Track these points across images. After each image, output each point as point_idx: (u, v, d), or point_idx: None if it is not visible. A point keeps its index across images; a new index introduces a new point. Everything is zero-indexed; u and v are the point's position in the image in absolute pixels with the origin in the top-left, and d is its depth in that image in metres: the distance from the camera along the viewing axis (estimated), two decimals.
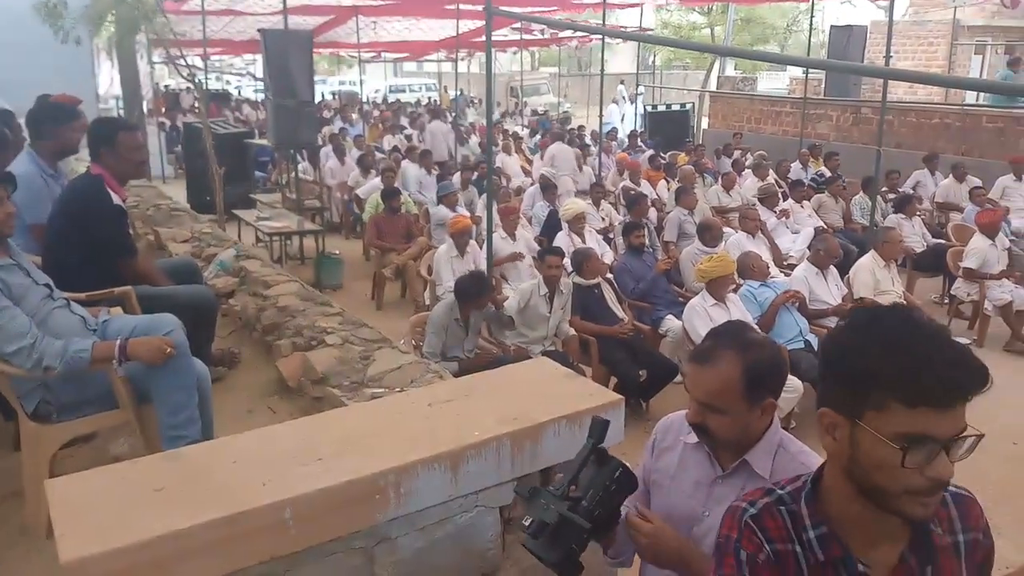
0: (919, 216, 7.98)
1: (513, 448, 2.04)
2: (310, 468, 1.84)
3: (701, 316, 4.93)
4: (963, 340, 6.18)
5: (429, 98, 27.57)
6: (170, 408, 2.65)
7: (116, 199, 3.30)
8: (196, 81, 9.73)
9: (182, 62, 9.42)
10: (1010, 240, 7.15)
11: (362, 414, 2.31)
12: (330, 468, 1.84)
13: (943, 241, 7.64)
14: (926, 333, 1.08)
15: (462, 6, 12.24)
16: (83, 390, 2.69)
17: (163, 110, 19.56)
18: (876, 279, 5.66)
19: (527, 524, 1.50)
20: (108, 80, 16.02)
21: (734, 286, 5.07)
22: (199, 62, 12.97)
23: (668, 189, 9.73)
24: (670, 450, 1.79)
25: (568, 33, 18.81)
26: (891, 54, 7.42)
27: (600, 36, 12.66)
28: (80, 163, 5.26)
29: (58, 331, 2.62)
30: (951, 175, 9.26)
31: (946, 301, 7.11)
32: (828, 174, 10.11)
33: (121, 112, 13.58)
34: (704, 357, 1.61)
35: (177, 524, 1.61)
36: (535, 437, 2.08)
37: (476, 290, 4.62)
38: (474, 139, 15.61)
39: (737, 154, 11.97)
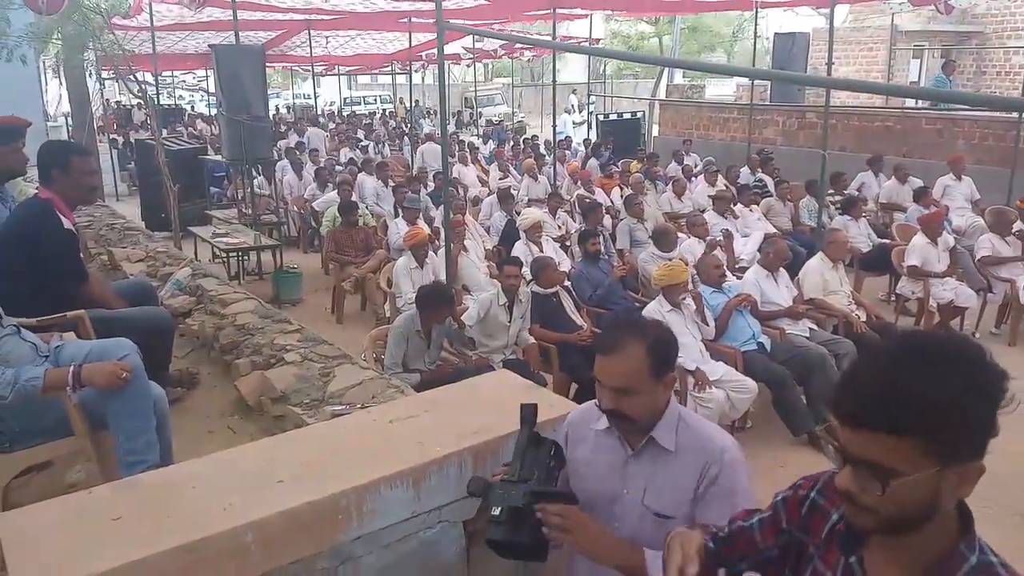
0: (864, 217, 8.20)
1: (475, 462, 2.07)
2: (271, 490, 1.84)
3: None
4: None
5: (384, 110, 27.50)
6: (127, 433, 2.62)
7: (66, 223, 3.26)
8: (147, 97, 9.59)
9: (132, 79, 9.27)
10: (953, 238, 7.40)
11: (323, 433, 2.31)
12: (291, 489, 1.84)
13: (888, 241, 7.86)
14: (895, 358, 1.05)
15: (414, 19, 12.26)
16: (37, 418, 2.64)
17: (114, 127, 19.21)
18: (825, 280, 5.81)
19: (497, 513, 1.56)
20: (57, 98, 15.71)
21: (687, 293, 5.16)
22: (150, 78, 12.78)
23: (622, 196, 9.86)
24: (583, 440, 1.89)
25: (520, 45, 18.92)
26: (832, 61, 7.67)
27: (551, 49, 12.78)
28: (29, 185, 5.17)
29: (8, 359, 2.57)
30: (894, 176, 9.55)
31: (892, 299, 7.33)
32: (768, 179, 10.35)
33: (70, 129, 13.30)
34: (611, 348, 1.72)
35: (135, 554, 1.59)
36: (496, 450, 2.11)
37: (438, 300, 4.64)
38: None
39: (687, 160, 12.19)
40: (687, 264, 5.58)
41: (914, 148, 11.35)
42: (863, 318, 5.69)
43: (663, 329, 1.80)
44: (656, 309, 5.06)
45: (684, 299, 5.10)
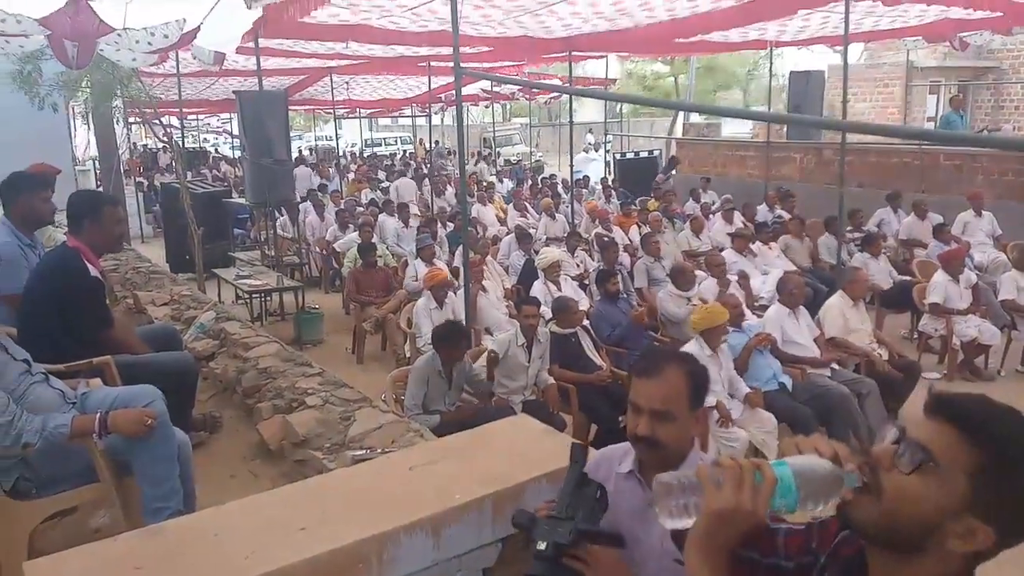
0: (885, 254, 8.16)
1: (494, 509, 2.07)
2: (293, 538, 1.85)
3: None
4: (933, 375, 6.38)
5: (404, 151, 27.88)
6: (152, 480, 2.66)
7: (93, 271, 3.34)
8: (172, 141, 9.82)
9: (158, 123, 9.51)
10: (976, 275, 7.32)
11: (344, 480, 2.33)
12: (313, 537, 1.85)
13: (909, 278, 7.80)
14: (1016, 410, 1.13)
15: (433, 64, 12.48)
16: (63, 464, 2.68)
17: (140, 170, 19.63)
18: (846, 318, 5.76)
19: (543, 548, 1.56)
20: (85, 142, 16.13)
21: (727, 335, 5.08)
22: (175, 122, 13.09)
23: (640, 234, 9.89)
24: (604, 482, 1.87)
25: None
26: (848, 98, 7.71)
27: (567, 94, 12.95)
28: (58, 231, 5.30)
29: (37, 406, 2.63)
30: (913, 213, 9.50)
31: (915, 337, 7.25)
32: (786, 216, 10.34)
33: (98, 173, 13.60)
34: (653, 371, 1.78)
35: None
36: (516, 497, 2.10)
37: (452, 336, 4.65)
38: (450, 190, 15.79)
39: (705, 198, 12.22)
40: (704, 303, 5.55)
41: (933, 184, 11.30)
42: (885, 356, 5.63)
43: (699, 362, 1.87)
44: (697, 352, 4.71)
45: (725, 341, 4.99)
